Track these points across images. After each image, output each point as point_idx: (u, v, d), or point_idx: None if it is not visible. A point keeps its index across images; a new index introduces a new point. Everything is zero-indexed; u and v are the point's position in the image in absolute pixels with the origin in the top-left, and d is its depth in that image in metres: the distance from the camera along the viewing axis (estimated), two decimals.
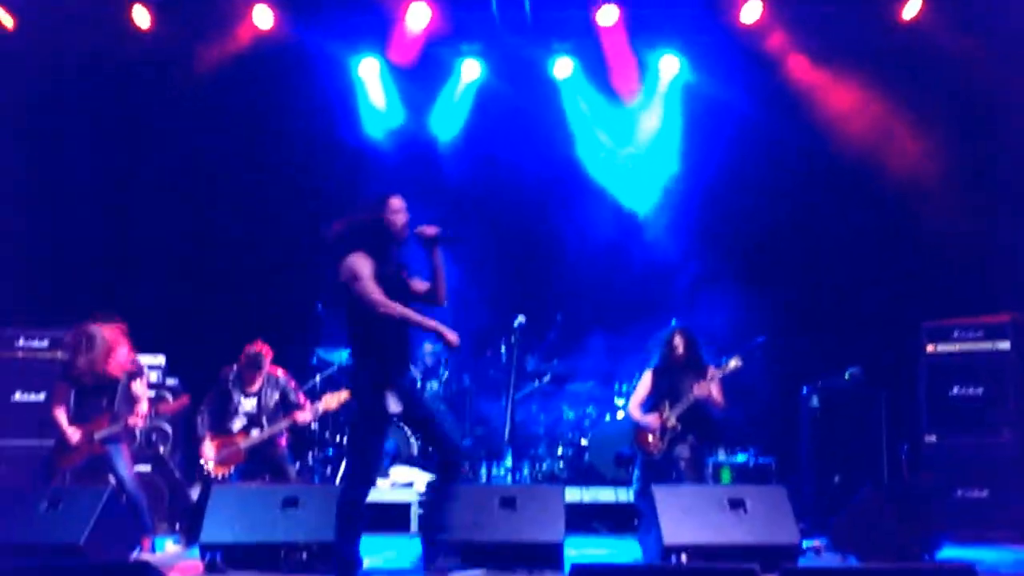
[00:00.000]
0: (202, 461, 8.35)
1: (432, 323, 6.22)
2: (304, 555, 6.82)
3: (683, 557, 6.70)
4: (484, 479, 10.09)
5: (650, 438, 8.24)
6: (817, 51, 10.80)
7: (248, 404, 8.48)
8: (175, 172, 11.06)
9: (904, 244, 10.57)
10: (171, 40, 10.62)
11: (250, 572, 6.78)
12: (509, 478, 9.94)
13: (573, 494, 9.43)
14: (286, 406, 8.54)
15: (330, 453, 10.35)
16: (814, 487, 9.53)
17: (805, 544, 7.61)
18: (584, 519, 9.30)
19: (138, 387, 7.98)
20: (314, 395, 9.00)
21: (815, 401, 9.68)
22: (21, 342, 9.53)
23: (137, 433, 8.55)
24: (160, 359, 9.85)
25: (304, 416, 8.50)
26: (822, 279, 10.78)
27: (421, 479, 9.48)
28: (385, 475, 9.90)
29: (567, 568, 5.62)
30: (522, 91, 11.34)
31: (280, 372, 8.68)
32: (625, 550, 8.07)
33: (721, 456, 9.73)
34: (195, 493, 8.58)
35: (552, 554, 6.72)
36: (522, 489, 7.15)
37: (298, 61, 11.07)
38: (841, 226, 10.76)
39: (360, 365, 6.33)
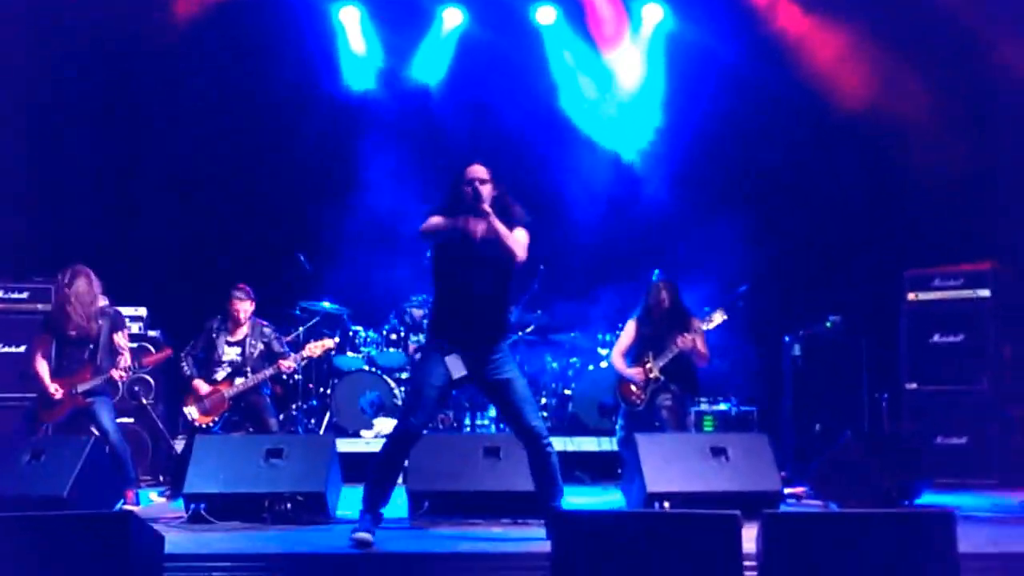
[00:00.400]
0: (186, 410, 8.36)
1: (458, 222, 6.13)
2: (288, 505, 6.83)
3: (666, 504, 6.75)
4: (468, 429, 10.14)
5: (633, 388, 8.28)
6: None
7: (232, 353, 8.48)
8: (155, 122, 10.95)
9: (886, 193, 10.58)
10: None
11: (234, 523, 6.79)
12: (493, 428, 9.99)
13: (557, 443, 9.42)
14: (270, 355, 8.53)
15: (314, 404, 10.37)
16: (795, 435, 9.60)
17: (786, 491, 7.69)
18: (568, 468, 9.32)
19: (120, 339, 7.93)
20: (298, 347, 8.98)
21: (796, 350, 9.73)
22: (0, 294, 9.47)
23: (120, 385, 8.51)
24: (142, 311, 9.81)
25: (288, 364, 8.51)
26: (804, 228, 10.78)
27: None
28: (369, 426, 9.93)
29: (550, 515, 5.65)
30: (505, 38, 11.27)
31: (266, 324, 8.68)
32: (609, 499, 8.12)
33: (703, 405, 9.79)
34: (179, 444, 8.59)
35: (538, 502, 6.75)
36: (506, 438, 7.15)
37: (278, 8, 10.95)
38: (823, 175, 10.75)
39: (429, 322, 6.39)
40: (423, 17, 11.41)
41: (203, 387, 8.36)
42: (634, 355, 8.37)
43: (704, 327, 8.23)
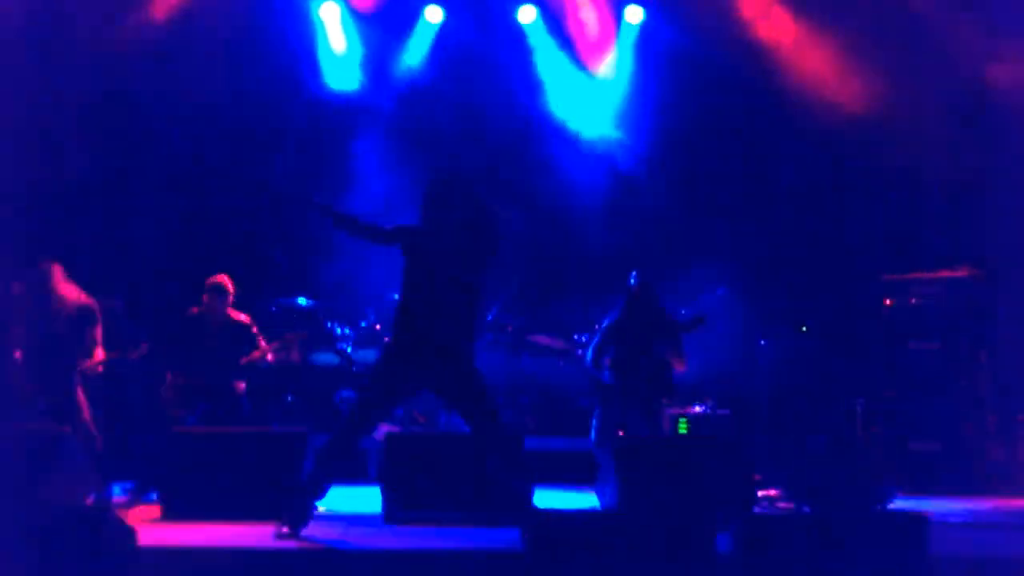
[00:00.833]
0: (163, 405, 8.31)
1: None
2: (264, 501, 6.80)
3: (639, 506, 6.75)
4: (444, 427, 10.12)
5: (608, 390, 8.28)
6: None
7: (210, 344, 8.44)
8: (134, 117, 10.88)
9: (864, 198, 10.62)
10: None
11: (209, 517, 6.76)
12: None
13: (531, 444, 9.45)
14: (246, 347, 8.49)
15: (289, 400, 10.33)
16: (770, 439, 9.62)
17: (760, 494, 7.71)
18: (542, 469, 9.33)
19: (94, 332, 7.88)
20: (271, 340, 8.95)
21: (772, 354, 9.75)
22: None
23: (93, 378, 8.44)
24: (118, 303, 9.73)
25: (263, 355, 8.48)
26: (781, 232, 10.82)
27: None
28: None
29: (523, 515, 5.65)
30: (486, 36, 11.25)
31: (243, 316, 8.64)
32: (582, 501, 8.12)
33: (678, 408, 9.80)
34: (154, 437, 8.53)
35: (514, 501, 6.74)
36: None
37: (257, 4, 10.90)
38: (801, 180, 10.79)
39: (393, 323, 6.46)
40: (404, 14, 11.38)
41: (173, 392, 8.33)
42: (610, 358, 8.38)
43: (680, 331, 8.25)
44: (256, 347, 8.54)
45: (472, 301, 6.36)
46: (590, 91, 11.54)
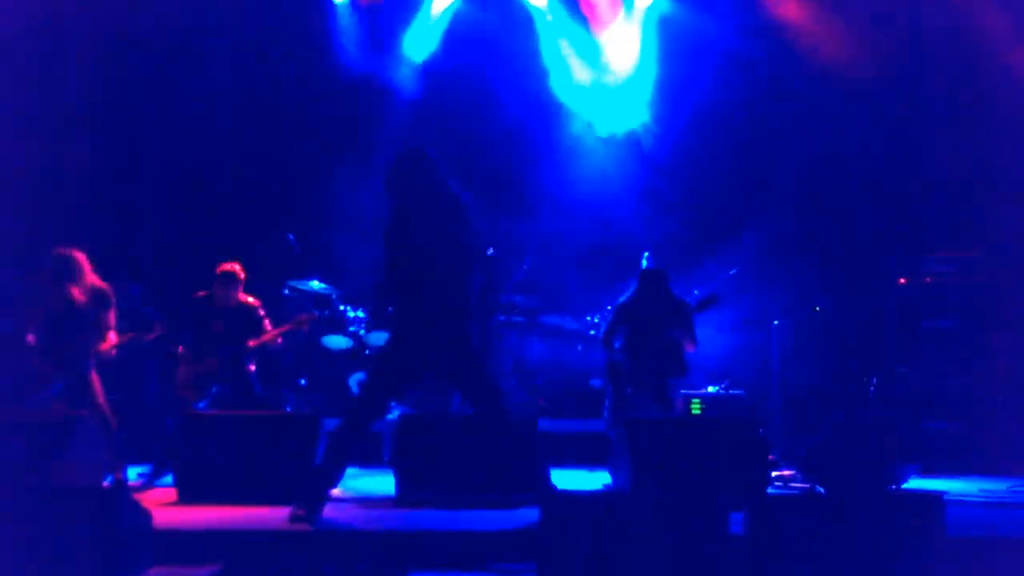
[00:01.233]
0: (176, 388, 8.34)
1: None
2: (278, 484, 6.82)
3: (653, 487, 6.75)
4: (457, 409, 10.13)
5: (619, 371, 8.28)
6: None
7: (219, 328, 8.45)
8: (150, 103, 10.89)
9: (880, 176, 10.57)
10: None
11: (223, 500, 6.78)
12: None
13: (544, 425, 9.46)
14: (255, 331, 8.51)
15: (302, 383, 10.35)
16: (784, 419, 9.61)
17: (774, 474, 7.70)
18: (555, 450, 9.34)
19: (109, 315, 7.90)
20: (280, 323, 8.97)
21: (786, 333, 9.73)
22: None
23: (109, 361, 8.46)
24: (135, 288, 9.76)
25: (273, 339, 8.50)
26: (795, 211, 10.77)
27: (394, 410, 9.49)
28: None
29: (539, 496, 5.65)
30: (498, 18, 11.21)
31: (251, 299, 8.64)
32: (596, 481, 8.12)
33: (691, 388, 9.79)
34: (168, 421, 8.56)
35: (525, 482, 6.75)
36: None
37: None
38: (816, 158, 10.74)
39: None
40: None
41: (185, 376, 8.35)
42: (623, 339, 8.37)
43: (693, 312, 8.24)
44: (263, 330, 8.54)
45: (458, 278, 6.35)
46: (601, 71, 11.49)
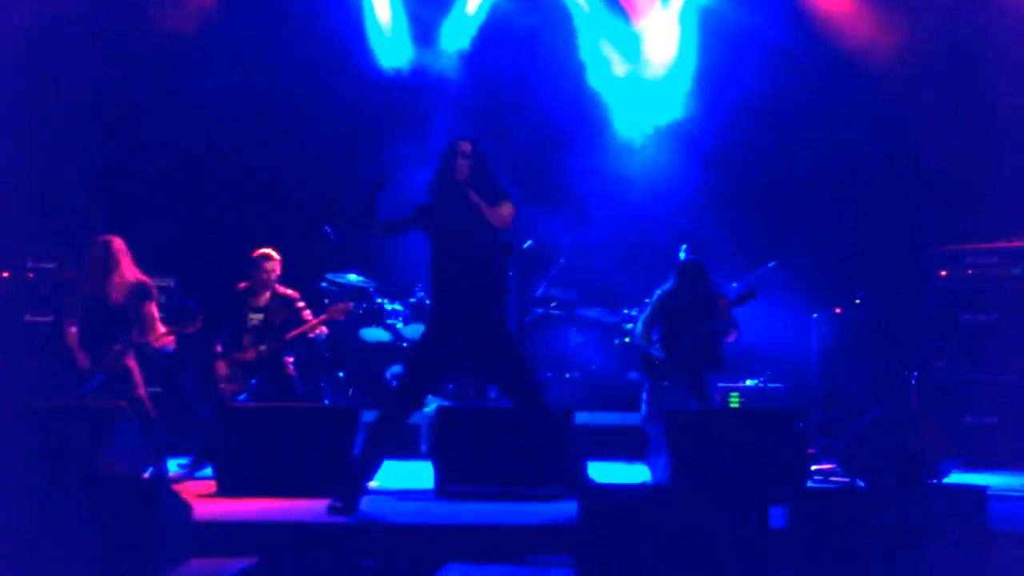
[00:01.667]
0: (215, 381, 8.39)
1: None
2: (316, 476, 6.85)
3: (691, 481, 6.72)
4: (494, 401, 10.14)
5: (658, 364, 8.25)
6: None
7: (256, 319, 8.48)
8: (187, 95, 10.94)
9: (919, 168, 10.47)
10: None
11: (262, 493, 6.82)
12: None
13: (581, 418, 9.45)
14: (294, 322, 8.53)
15: (340, 376, 10.38)
16: (823, 413, 9.55)
17: (814, 468, 7.65)
18: (592, 443, 9.33)
19: (150, 308, 7.95)
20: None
21: (825, 327, 9.66)
22: (30, 263, 9.49)
23: (150, 354, 8.53)
24: (172, 281, 9.83)
25: (310, 329, 8.52)
26: (834, 204, 10.69)
27: (431, 402, 9.51)
28: None
29: (577, 489, 5.64)
30: (534, 13, 11.20)
31: (289, 291, 8.67)
32: (634, 475, 8.11)
33: (730, 382, 9.74)
34: (207, 414, 8.62)
35: (563, 475, 6.74)
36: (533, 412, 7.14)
37: None
38: (854, 150, 10.65)
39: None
40: None
41: (224, 369, 8.40)
42: (660, 332, 8.34)
43: (732, 305, 8.19)
44: (302, 321, 8.57)
45: (495, 271, 6.34)
46: (638, 65, 11.46)
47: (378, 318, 10.51)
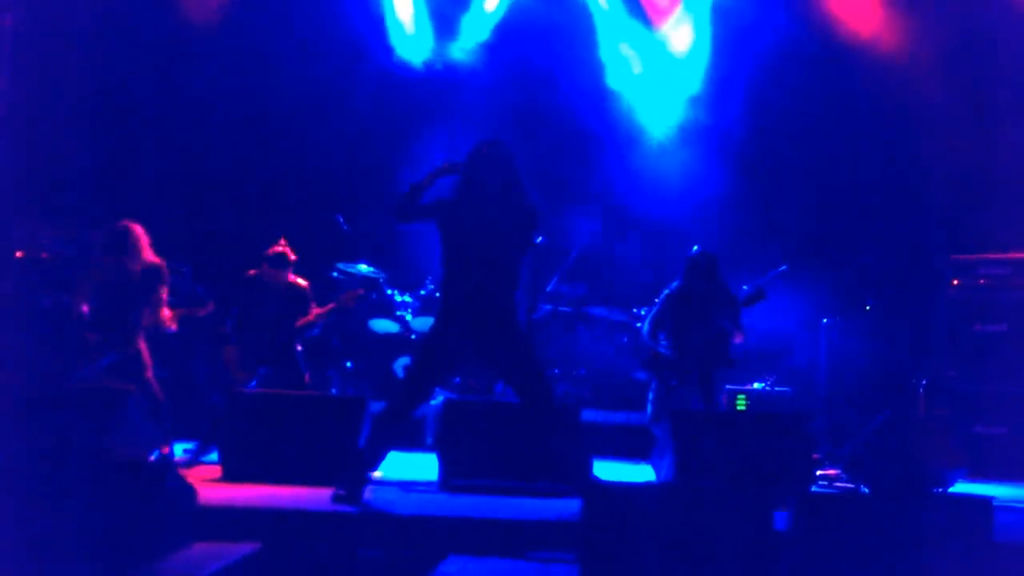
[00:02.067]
0: (224, 366, 8.41)
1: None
2: (322, 465, 6.86)
3: (695, 481, 6.72)
4: (500, 396, 10.14)
5: (665, 364, 8.24)
6: None
7: (268, 308, 8.50)
8: (204, 83, 10.97)
9: (933, 176, 10.44)
10: None
11: (267, 479, 6.84)
12: None
13: (588, 416, 9.46)
14: (304, 312, 8.55)
15: (348, 366, 10.40)
16: (830, 418, 9.53)
17: (818, 473, 7.64)
18: (598, 442, 9.33)
19: (162, 291, 7.97)
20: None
21: (834, 332, 9.64)
22: (46, 244, 9.52)
23: (158, 337, 8.55)
24: (186, 267, 9.86)
25: (319, 318, 8.54)
26: (846, 210, 10.67)
27: (438, 395, 9.51)
28: None
29: (582, 486, 5.64)
30: (554, 8, 11.19)
31: (301, 280, 8.69)
32: (638, 474, 8.10)
33: (737, 384, 9.74)
34: (216, 398, 8.64)
35: (568, 472, 6.74)
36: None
37: None
38: (867, 157, 10.63)
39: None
40: None
41: (233, 355, 8.42)
42: (668, 331, 8.32)
43: (742, 305, 8.18)
44: (309, 311, 8.58)
45: (511, 270, 6.34)
46: (655, 63, 11.44)
47: (388, 309, 10.53)
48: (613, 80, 11.39)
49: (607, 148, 11.18)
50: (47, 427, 6.87)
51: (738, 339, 8.20)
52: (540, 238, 9.47)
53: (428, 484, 7.11)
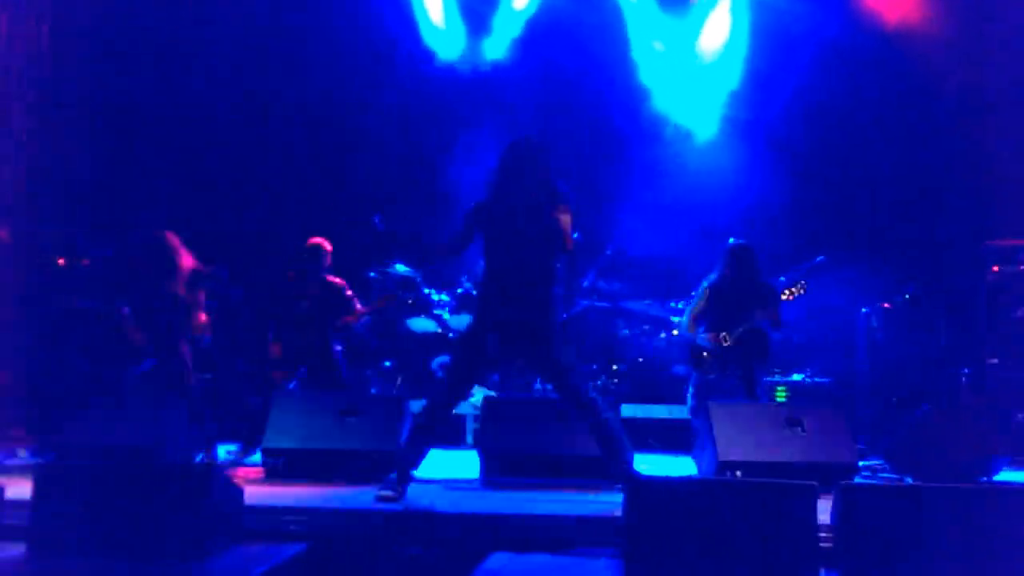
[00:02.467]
0: (265, 367, 8.47)
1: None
2: (364, 464, 6.91)
3: (738, 474, 6.71)
4: (540, 392, 10.16)
5: (705, 356, 8.22)
6: None
7: (307, 308, 8.54)
8: (236, 88, 11.05)
9: (971, 162, 10.34)
10: None
11: (310, 479, 6.89)
12: None
13: (628, 411, 9.48)
14: (343, 310, 8.59)
15: (387, 365, 10.44)
16: (871, 408, 9.48)
17: (861, 464, 7.60)
18: (639, 436, 9.33)
19: (200, 296, 8.04)
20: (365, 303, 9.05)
21: (874, 322, 9.59)
22: (87, 250, 9.63)
23: (200, 340, 8.63)
24: (223, 271, 9.91)
25: (359, 318, 8.58)
26: (883, 198, 10.60)
27: (477, 392, 9.55)
28: None
29: (624, 480, 5.65)
30: (585, 6, 11.18)
31: (338, 279, 8.73)
32: (679, 467, 8.10)
33: (777, 376, 9.70)
34: (257, 400, 8.71)
35: (609, 467, 6.75)
36: None
37: None
38: (905, 144, 10.55)
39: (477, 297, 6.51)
40: None
41: (274, 356, 8.48)
42: (707, 324, 8.30)
43: (781, 297, 8.14)
44: (351, 311, 8.62)
45: (547, 266, 6.35)
46: (689, 59, 11.41)
47: (425, 308, 10.56)
48: (646, 75, 11.35)
49: (642, 144, 11.14)
50: (96, 429, 6.97)
51: (776, 331, 8.17)
52: (576, 234, 9.47)
53: (470, 481, 7.14)
